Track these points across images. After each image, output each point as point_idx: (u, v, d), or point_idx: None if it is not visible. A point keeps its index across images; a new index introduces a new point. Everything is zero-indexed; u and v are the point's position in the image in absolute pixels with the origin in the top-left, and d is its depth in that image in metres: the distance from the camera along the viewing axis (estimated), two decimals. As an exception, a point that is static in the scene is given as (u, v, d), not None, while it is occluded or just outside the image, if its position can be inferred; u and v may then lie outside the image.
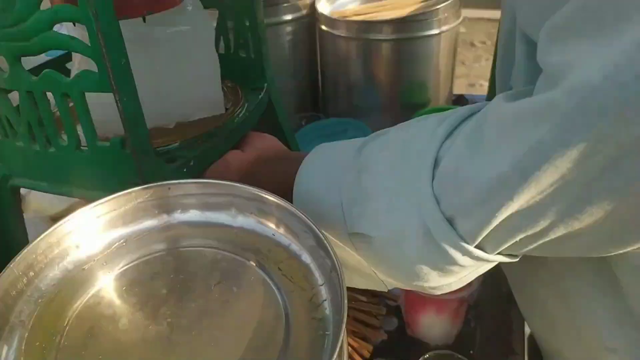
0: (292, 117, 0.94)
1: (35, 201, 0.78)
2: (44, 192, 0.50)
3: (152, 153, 0.45)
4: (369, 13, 0.87)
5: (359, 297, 0.62)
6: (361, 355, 0.57)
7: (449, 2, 0.80)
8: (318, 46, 0.93)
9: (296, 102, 0.96)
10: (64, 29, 0.46)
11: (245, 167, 0.54)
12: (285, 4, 0.86)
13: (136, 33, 0.49)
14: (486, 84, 3.01)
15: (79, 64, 0.49)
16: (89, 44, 0.39)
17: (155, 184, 0.40)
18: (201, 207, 0.41)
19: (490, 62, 3.39)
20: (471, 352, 0.60)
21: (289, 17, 0.88)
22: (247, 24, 0.64)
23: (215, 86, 0.59)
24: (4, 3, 0.39)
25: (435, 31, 0.82)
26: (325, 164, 0.45)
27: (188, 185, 0.40)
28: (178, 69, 0.54)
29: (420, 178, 0.35)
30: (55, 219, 0.79)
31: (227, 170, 0.53)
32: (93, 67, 0.40)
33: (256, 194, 0.40)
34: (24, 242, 0.58)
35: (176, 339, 0.33)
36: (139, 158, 0.44)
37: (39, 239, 0.35)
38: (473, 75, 3.07)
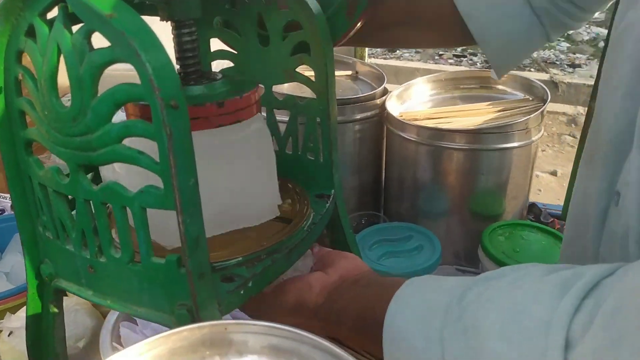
0: (351, 215, 0.90)
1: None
2: (88, 300, 0.46)
3: (209, 276, 0.41)
4: (441, 118, 0.83)
5: None
6: None
7: (531, 116, 0.75)
8: (385, 145, 0.90)
9: (357, 200, 0.92)
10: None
11: (329, 290, 0.50)
12: (355, 103, 0.84)
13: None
14: (542, 175, 2.90)
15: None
16: (158, 160, 0.36)
17: (211, 323, 0.35)
18: (260, 353, 0.36)
19: (546, 154, 3.27)
20: None
21: (357, 116, 0.85)
22: (319, 126, 0.61)
23: (273, 189, 0.55)
24: (76, 112, 0.36)
25: (513, 144, 0.76)
26: (422, 305, 0.40)
27: (248, 327, 0.35)
28: (237, 174, 0.51)
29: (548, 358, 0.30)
30: (96, 306, 0.75)
31: (309, 291, 0.49)
32: (155, 181, 0.37)
33: (326, 346, 0.35)
34: (61, 339, 0.54)
35: None
36: (194, 281, 0.39)
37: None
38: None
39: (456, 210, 0.82)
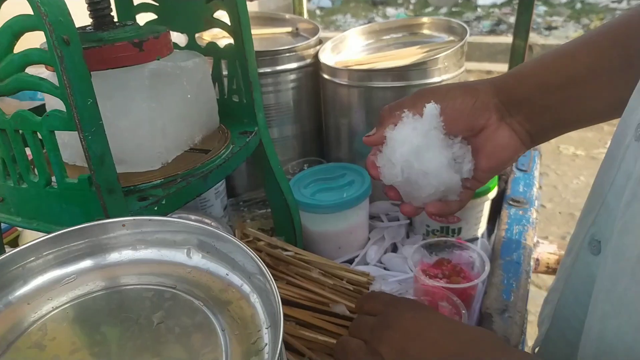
0: (295, 163, 0.95)
1: (32, 236, 0.80)
2: (19, 227, 0.51)
3: (119, 192, 0.45)
4: (371, 63, 0.88)
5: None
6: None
7: (449, 51, 0.80)
8: (321, 94, 0.95)
9: (300, 147, 0.96)
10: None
11: None
12: (289, 54, 0.88)
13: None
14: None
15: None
16: (58, 85, 0.40)
17: (110, 220, 0.40)
18: (156, 245, 0.41)
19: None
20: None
21: (293, 65, 0.89)
22: (240, 70, 0.65)
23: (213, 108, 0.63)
24: (-20, 45, 0.41)
25: (436, 79, 0.81)
26: None
27: (143, 222, 0.40)
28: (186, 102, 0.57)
29: None
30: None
31: None
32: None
33: (213, 231, 0.40)
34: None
35: (107, 378, 0.32)
36: (104, 197, 0.44)
37: (-16, 271, 0.35)
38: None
39: (389, 148, 0.87)
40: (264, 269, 0.36)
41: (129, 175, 0.53)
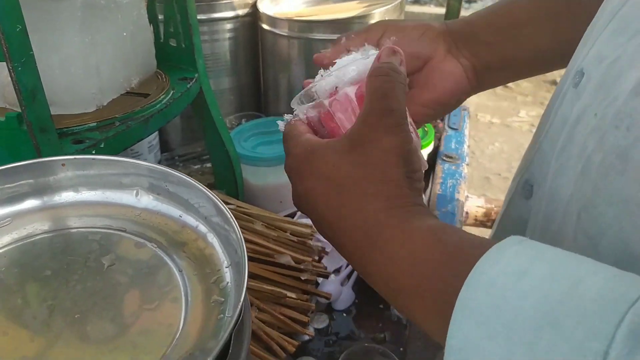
0: (232, 117, 0.92)
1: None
2: None
3: (53, 131, 0.42)
4: (311, 15, 0.86)
5: (289, 294, 0.59)
6: (286, 351, 0.54)
7: (390, 6, 0.80)
8: (260, 45, 0.92)
9: (237, 101, 0.94)
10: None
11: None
12: (226, 1, 0.84)
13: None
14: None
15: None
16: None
17: (50, 158, 0.36)
18: (102, 187, 0.38)
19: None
20: (401, 348, 0.58)
21: (229, 14, 0.86)
22: (177, 11, 0.61)
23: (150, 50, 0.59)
24: None
25: (375, 32, 0.81)
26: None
27: (87, 162, 0.37)
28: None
29: None
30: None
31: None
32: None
33: (164, 171, 0.38)
34: None
35: (55, 323, 0.29)
36: (36, 136, 0.40)
37: None
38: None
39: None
40: (223, 208, 0.35)
41: (61, 117, 0.48)
